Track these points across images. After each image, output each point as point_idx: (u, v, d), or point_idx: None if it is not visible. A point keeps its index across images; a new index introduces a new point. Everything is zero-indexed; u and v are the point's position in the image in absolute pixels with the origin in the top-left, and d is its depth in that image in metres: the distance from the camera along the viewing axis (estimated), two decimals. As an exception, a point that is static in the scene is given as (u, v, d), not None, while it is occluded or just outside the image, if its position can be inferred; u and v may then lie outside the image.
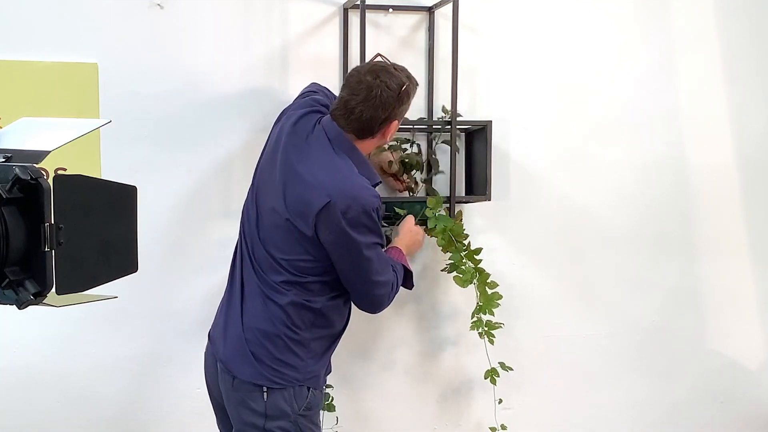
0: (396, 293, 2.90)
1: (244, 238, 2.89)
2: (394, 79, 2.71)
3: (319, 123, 2.83)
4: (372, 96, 2.69)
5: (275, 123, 3.04)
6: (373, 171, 2.81)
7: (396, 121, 2.78)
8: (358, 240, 2.65)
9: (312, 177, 2.68)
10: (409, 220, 3.27)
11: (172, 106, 3.45)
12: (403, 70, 2.81)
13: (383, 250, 2.87)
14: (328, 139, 2.75)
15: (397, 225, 3.33)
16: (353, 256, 2.68)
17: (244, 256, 2.87)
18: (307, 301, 2.75)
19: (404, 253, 3.05)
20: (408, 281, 3.03)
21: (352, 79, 2.77)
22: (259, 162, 2.98)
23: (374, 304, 2.82)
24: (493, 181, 3.63)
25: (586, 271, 3.97)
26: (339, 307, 2.86)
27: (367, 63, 3.01)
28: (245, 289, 2.84)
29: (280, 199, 2.75)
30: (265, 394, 2.74)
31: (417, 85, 2.85)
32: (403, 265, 2.98)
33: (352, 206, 2.62)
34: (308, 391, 2.81)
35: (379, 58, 2.96)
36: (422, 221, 3.44)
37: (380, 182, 2.88)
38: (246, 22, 3.52)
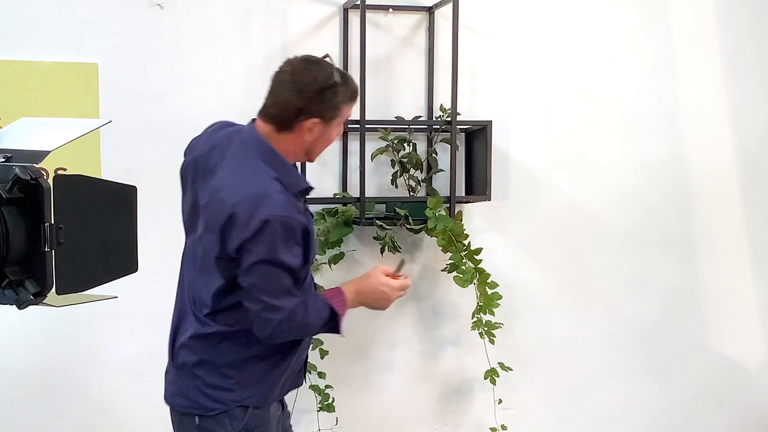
0: (302, 330, 2.47)
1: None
2: (322, 71, 2.41)
3: (237, 132, 2.54)
4: (293, 77, 2.41)
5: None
6: (298, 177, 2.47)
7: (316, 121, 2.38)
8: (254, 251, 2.32)
9: (221, 186, 2.41)
10: (379, 274, 2.66)
11: (172, 106, 3.45)
12: (346, 74, 2.49)
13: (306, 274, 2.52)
14: (247, 145, 2.45)
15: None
16: (248, 266, 2.35)
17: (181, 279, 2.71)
18: (228, 325, 2.52)
19: (349, 298, 2.54)
20: (333, 327, 2.51)
21: (283, 63, 2.51)
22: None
23: (259, 326, 2.40)
24: (493, 181, 3.63)
25: (586, 271, 3.97)
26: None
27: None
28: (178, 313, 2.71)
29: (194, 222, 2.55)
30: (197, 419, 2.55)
31: (353, 96, 2.46)
32: (331, 308, 2.49)
33: (253, 217, 2.30)
34: (246, 410, 2.52)
35: (327, 59, 2.54)
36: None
37: (309, 188, 2.50)
38: (246, 22, 3.52)
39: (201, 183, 2.50)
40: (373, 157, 3.58)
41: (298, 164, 3.40)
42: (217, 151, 2.49)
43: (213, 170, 2.46)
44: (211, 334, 2.50)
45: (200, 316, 2.52)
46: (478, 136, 3.69)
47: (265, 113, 2.44)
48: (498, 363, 3.65)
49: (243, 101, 3.50)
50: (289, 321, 2.39)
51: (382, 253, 3.58)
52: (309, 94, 2.37)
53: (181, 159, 3.58)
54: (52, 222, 1.51)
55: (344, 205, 3.55)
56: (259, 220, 2.28)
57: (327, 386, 3.54)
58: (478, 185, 3.69)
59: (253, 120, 2.48)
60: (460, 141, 3.72)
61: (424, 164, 3.66)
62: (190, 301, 2.59)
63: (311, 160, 2.56)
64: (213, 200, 2.39)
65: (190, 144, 2.64)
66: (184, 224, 2.64)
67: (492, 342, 3.58)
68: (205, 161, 2.50)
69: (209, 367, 2.51)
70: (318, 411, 3.57)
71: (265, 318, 2.37)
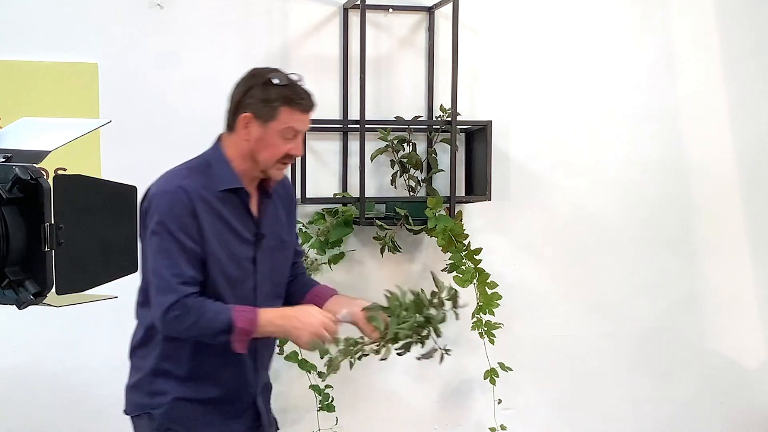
0: (193, 332, 2.36)
1: None
2: (265, 71, 2.45)
3: None
4: (241, 78, 2.47)
5: None
6: (229, 175, 2.43)
7: (248, 116, 2.38)
8: (149, 227, 2.36)
9: None
10: (314, 308, 2.46)
11: (172, 106, 3.45)
12: (296, 84, 2.42)
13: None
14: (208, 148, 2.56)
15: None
16: (146, 245, 2.38)
17: None
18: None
19: (263, 320, 2.37)
20: (228, 336, 2.35)
21: None
22: None
23: (154, 309, 2.38)
24: (493, 181, 3.63)
25: (586, 271, 3.96)
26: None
27: None
28: None
29: None
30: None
31: (291, 102, 2.39)
32: (232, 321, 2.33)
33: (148, 191, 2.43)
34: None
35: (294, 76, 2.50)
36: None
37: (238, 188, 2.44)
38: (246, 22, 3.52)
39: None
40: (373, 158, 3.58)
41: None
42: None
43: None
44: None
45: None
46: (478, 136, 3.69)
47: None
48: (498, 363, 3.65)
49: (243, 101, 3.51)
50: (173, 311, 2.34)
51: (382, 253, 3.58)
52: (242, 87, 2.42)
53: (181, 159, 3.58)
54: (52, 222, 1.51)
55: (344, 205, 3.55)
56: (151, 192, 2.41)
57: (327, 386, 3.54)
58: (478, 185, 3.69)
59: None
60: (460, 141, 3.72)
61: (424, 164, 3.67)
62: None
63: (269, 175, 2.46)
64: None
65: None
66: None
67: (492, 342, 3.58)
68: None
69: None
70: (318, 411, 3.57)
71: (156, 300, 2.38)
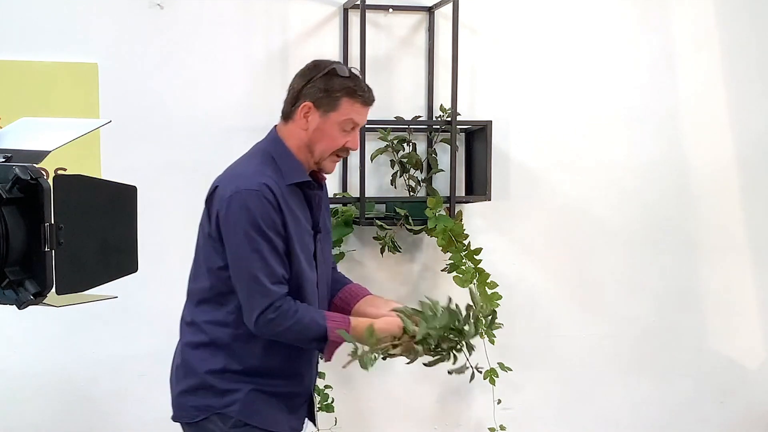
0: (290, 336, 2.36)
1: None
2: (328, 61, 2.46)
3: None
4: (302, 70, 2.48)
5: None
6: (296, 169, 2.42)
7: (308, 105, 2.39)
8: (234, 227, 2.32)
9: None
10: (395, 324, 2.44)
11: (172, 106, 3.45)
12: (359, 77, 2.47)
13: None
14: (263, 139, 2.53)
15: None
16: (234, 247, 2.34)
17: None
18: None
19: (359, 327, 2.39)
20: (321, 345, 2.39)
21: None
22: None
23: (248, 313, 2.34)
24: (493, 181, 3.63)
25: (586, 271, 3.96)
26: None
27: None
28: None
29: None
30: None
31: (355, 94, 2.41)
32: (327, 331, 2.36)
33: (228, 191, 2.35)
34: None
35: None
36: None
37: (306, 181, 2.45)
38: (246, 22, 3.52)
39: None
40: (372, 158, 3.58)
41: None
42: None
43: None
44: None
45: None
46: (478, 136, 3.69)
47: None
48: (498, 363, 3.64)
49: (243, 101, 3.52)
50: (276, 311, 2.31)
51: (382, 253, 3.58)
52: (304, 77, 2.42)
53: (180, 158, 3.60)
54: (52, 222, 1.51)
55: (344, 205, 3.55)
56: (229, 192, 2.34)
57: (327, 386, 3.54)
58: (478, 185, 3.69)
59: None
60: (460, 141, 3.72)
61: (424, 164, 3.67)
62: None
63: (321, 167, 2.48)
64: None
65: None
66: None
67: (492, 342, 3.58)
68: None
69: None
70: (318, 411, 3.57)
71: (256, 303, 2.33)
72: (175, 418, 2.51)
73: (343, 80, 2.41)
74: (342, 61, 3.53)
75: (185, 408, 2.47)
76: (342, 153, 2.49)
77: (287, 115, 2.45)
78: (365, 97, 2.45)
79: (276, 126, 2.50)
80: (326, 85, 2.39)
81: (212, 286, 2.42)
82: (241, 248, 2.33)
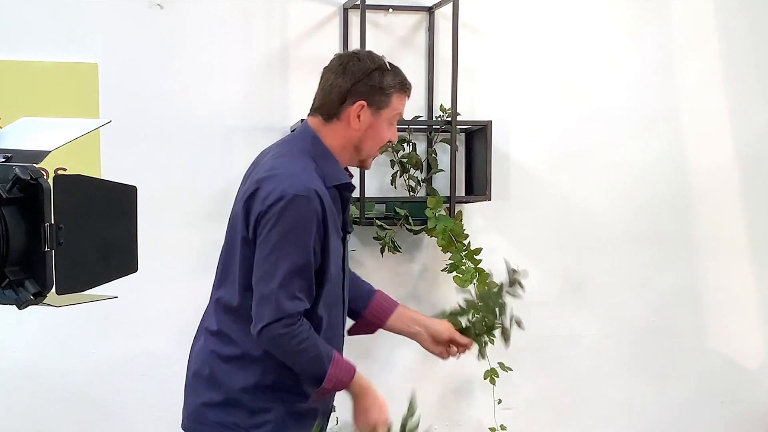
0: (288, 358, 2.27)
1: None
2: (369, 56, 2.35)
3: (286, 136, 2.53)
4: (339, 64, 2.34)
5: None
6: (338, 170, 2.33)
7: (362, 104, 2.29)
8: (272, 233, 2.20)
9: (254, 174, 2.33)
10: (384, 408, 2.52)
11: (172, 106, 3.45)
12: (397, 67, 2.40)
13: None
14: (293, 135, 2.43)
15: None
16: (265, 250, 2.22)
17: None
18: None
19: (353, 387, 2.38)
20: (315, 384, 2.31)
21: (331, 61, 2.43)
22: None
23: (256, 316, 2.23)
24: (493, 181, 3.63)
25: (586, 271, 3.96)
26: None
27: None
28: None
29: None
30: None
31: (404, 86, 2.36)
32: (325, 376, 2.29)
33: (272, 193, 2.19)
34: None
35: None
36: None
37: (347, 183, 2.37)
38: (246, 22, 3.52)
39: (243, 184, 2.40)
40: (372, 158, 3.58)
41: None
42: (261, 154, 2.43)
43: (255, 164, 2.39)
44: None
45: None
46: (478, 136, 3.69)
47: (313, 108, 2.37)
48: (498, 363, 3.64)
49: (243, 101, 3.52)
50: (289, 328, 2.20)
51: (382, 253, 3.58)
52: (355, 74, 2.30)
53: (180, 158, 3.59)
54: (52, 222, 1.50)
55: (344, 205, 3.55)
56: (276, 194, 2.18)
57: (327, 386, 3.54)
58: (478, 185, 3.69)
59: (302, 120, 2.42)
60: (460, 141, 3.72)
61: (424, 164, 3.67)
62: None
63: (364, 164, 2.42)
64: (248, 184, 2.31)
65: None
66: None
67: (492, 342, 3.58)
68: (252, 168, 2.42)
69: None
70: (318, 411, 3.57)
71: (258, 311, 2.22)
72: (187, 429, 2.40)
73: (393, 75, 2.33)
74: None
75: (207, 422, 2.34)
76: (384, 148, 2.41)
77: (333, 114, 2.31)
78: (410, 88, 2.38)
79: (308, 123, 2.36)
80: (380, 83, 2.30)
81: (248, 298, 2.28)
82: (272, 254, 2.20)
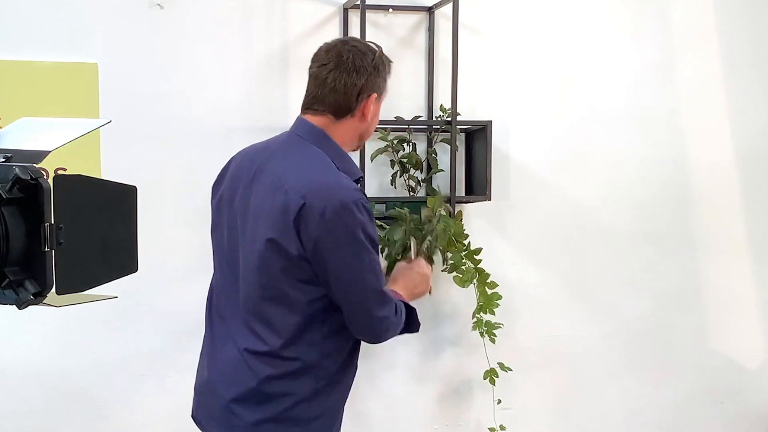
0: (397, 331, 2.39)
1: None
2: (363, 45, 2.35)
3: (280, 136, 2.43)
4: (344, 61, 2.28)
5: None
6: (354, 164, 2.35)
7: (374, 97, 2.30)
8: (343, 243, 2.18)
9: (279, 181, 2.23)
10: (420, 263, 2.63)
11: (172, 106, 3.45)
12: (379, 46, 2.40)
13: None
14: (298, 136, 2.32)
15: (401, 259, 2.88)
16: (345, 261, 2.20)
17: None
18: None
19: (405, 297, 2.48)
20: (413, 324, 2.45)
21: (317, 54, 2.36)
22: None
23: (372, 327, 2.29)
24: (493, 181, 3.64)
25: (586, 271, 3.97)
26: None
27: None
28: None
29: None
30: None
31: (389, 62, 2.38)
32: (405, 303, 2.42)
33: (328, 206, 2.15)
34: None
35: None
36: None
37: (362, 177, 2.48)
38: (246, 22, 3.52)
39: (247, 187, 2.33)
40: (372, 158, 3.58)
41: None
42: (259, 155, 2.36)
43: (261, 169, 2.30)
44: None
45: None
46: (478, 136, 3.69)
47: (316, 106, 2.31)
48: (498, 363, 3.65)
49: (243, 101, 3.52)
50: (395, 319, 2.34)
51: (382, 252, 3.58)
52: (366, 71, 2.29)
53: (180, 158, 3.59)
54: (52, 222, 1.50)
55: (344, 205, 3.55)
56: (333, 208, 2.16)
57: (327, 386, 3.54)
58: (478, 185, 3.69)
59: (298, 119, 2.37)
60: (460, 141, 3.73)
61: (424, 164, 3.67)
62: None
63: (359, 147, 2.49)
64: (276, 195, 2.22)
65: (216, 180, 2.55)
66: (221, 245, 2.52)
67: (493, 341, 3.59)
68: (251, 169, 2.34)
69: None
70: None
71: (379, 316, 2.28)
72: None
73: (385, 58, 2.36)
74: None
75: None
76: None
77: (347, 111, 2.29)
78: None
79: (311, 122, 2.31)
80: (383, 71, 2.34)
81: (304, 317, 2.26)
82: (356, 262, 2.20)
